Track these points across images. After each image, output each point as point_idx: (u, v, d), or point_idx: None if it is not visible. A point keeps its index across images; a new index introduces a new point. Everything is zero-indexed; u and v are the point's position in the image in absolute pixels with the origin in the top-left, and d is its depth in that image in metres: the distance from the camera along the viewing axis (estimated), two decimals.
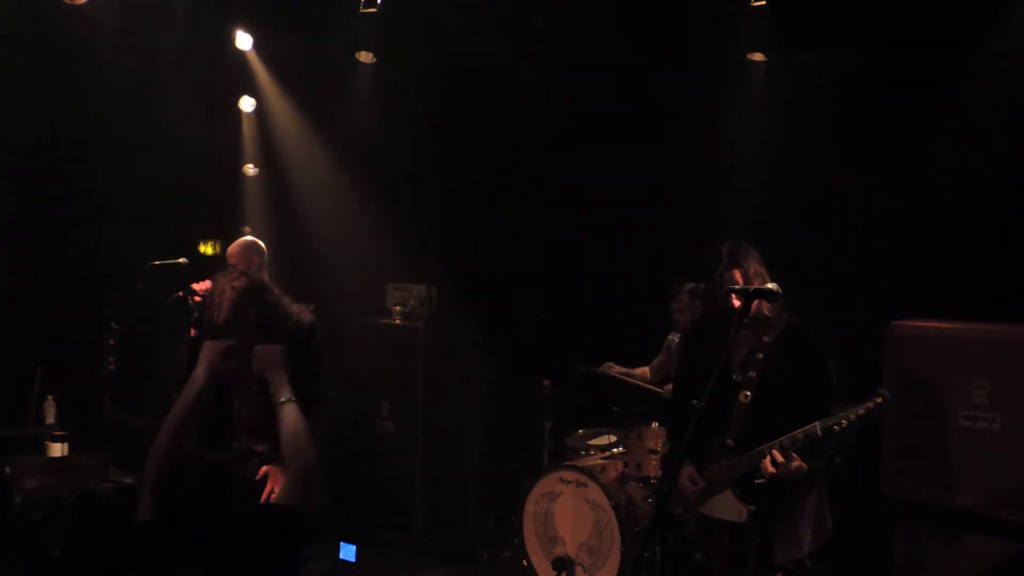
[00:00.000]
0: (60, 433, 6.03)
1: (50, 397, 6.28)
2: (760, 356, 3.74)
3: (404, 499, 6.65)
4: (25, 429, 6.13)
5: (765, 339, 3.76)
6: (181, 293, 4.74)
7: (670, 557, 4.96)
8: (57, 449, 5.98)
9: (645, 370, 6.15)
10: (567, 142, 6.98)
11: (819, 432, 3.49)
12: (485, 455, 6.81)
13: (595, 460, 5.59)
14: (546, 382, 5.96)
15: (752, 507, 3.66)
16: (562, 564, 5.33)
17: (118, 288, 5.72)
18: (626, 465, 5.43)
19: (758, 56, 6.39)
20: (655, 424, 5.33)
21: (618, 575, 5.11)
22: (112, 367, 5.55)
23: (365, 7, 6.62)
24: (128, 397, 5.77)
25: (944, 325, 4.68)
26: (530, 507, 5.50)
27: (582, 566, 5.28)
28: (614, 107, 6.80)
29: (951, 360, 4.56)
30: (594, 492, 5.24)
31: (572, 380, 6.01)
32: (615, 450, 5.70)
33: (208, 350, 3.11)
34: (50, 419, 6.26)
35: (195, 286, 4.68)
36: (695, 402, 3.42)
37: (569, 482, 5.36)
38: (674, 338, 5.98)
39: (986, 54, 5.45)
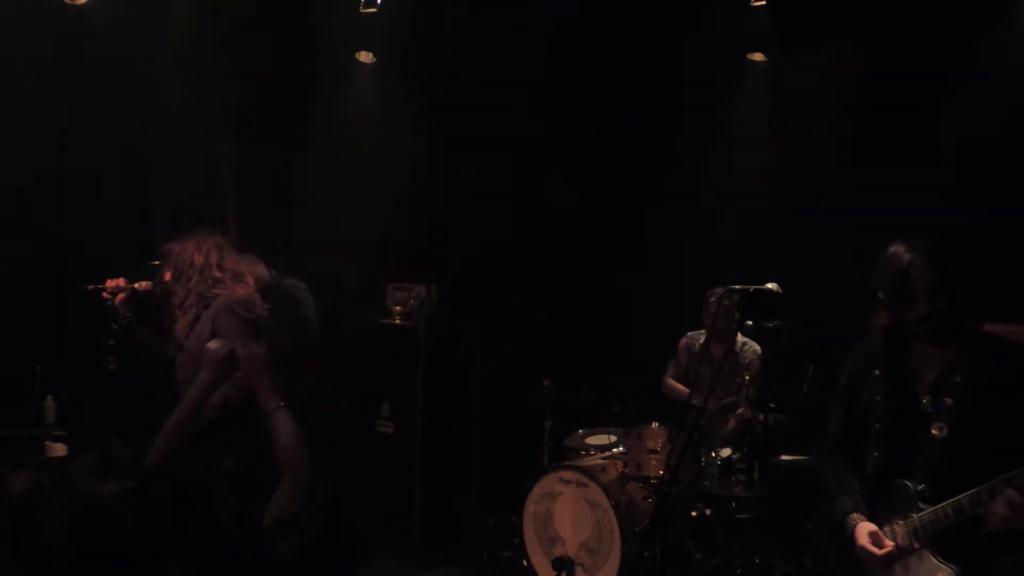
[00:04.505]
0: (60, 433, 6.03)
1: (50, 397, 6.27)
2: (959, 380, 2.95)
3: (404, 499, 6.65)
4: (25, 429, 6.12)
5: (962, 356, 2.99)
6: (91, 287, 4.56)
7: (670, 557, 4.99)
8: (57, 449, 5.97)
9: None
10: (567, 141, 6.98)
11: None
12: (485, 455, 6.81)
13: (595, 460, 5.58)
14: (546, 382, 5.96)
15: (959, 570, 2.83)
16: (562, 564, 5.32)
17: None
18: (626, 465, 5.43)
19: (758, 56, 6.41)
20: (655, 424, 5.32)
21: (618, 575, 5.11)
22: (112, 367, 5.54)
23: (365, 7, 6.62)
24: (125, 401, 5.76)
25: None
26: (530, 507, 5.49)
27: (582, 566, 5.28)
28: (614, 107, 6.80)
29: None
30: (594, 492, 5.24)
31: (572, 380, 6.01)
32: (615, 450, 5.70)
33: (214, 353, 3.03)
34: (50, 419, 6.25)
35: (108, 283, 4.52)
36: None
37: (569, 482, 5.35)
38: (691, 339, 5.96)
39: (987, 54, 5.45)
